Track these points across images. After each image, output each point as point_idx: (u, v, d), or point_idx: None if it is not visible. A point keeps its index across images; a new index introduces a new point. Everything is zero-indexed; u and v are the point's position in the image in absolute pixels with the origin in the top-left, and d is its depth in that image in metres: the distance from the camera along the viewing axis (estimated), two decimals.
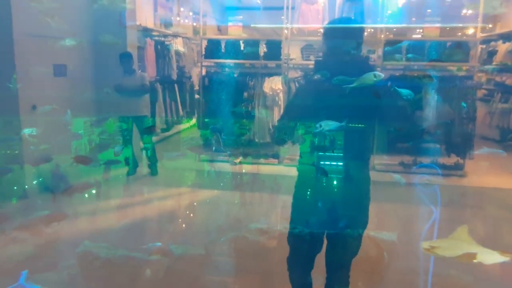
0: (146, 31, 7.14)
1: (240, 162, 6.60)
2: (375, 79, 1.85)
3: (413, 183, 5.58)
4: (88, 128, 5.87)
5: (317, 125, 1.89)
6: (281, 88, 6.37)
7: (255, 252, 3.56)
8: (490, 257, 1.63)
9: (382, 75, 1.87)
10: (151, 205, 5.10)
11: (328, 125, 1.87)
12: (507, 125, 7.11)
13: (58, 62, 5.27)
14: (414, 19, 9.32)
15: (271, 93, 6.41)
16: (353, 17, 5.87)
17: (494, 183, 5.75)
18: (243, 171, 6.46)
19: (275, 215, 4.69)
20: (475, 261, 1.59)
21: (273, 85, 6.44)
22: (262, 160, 6.56)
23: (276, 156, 6.63)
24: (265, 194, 5.51)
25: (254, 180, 6.30)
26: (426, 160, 6.04)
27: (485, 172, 6.10)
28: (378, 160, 6.13)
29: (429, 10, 10.42)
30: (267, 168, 6.45)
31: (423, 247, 1.68)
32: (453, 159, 5.99)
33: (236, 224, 4.22)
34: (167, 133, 7.89)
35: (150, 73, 7.02)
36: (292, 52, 6.63)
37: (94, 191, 5.16)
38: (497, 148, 7.31)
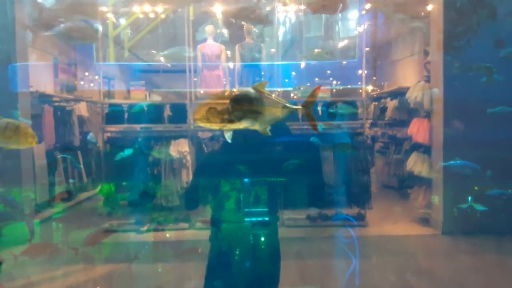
0: (44, 97, 6.81)
1: (148, 230, 6.30)
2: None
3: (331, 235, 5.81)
4: None
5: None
6: (188, 150, 6.35)
7: None
8: None
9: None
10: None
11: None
12: (402, 174, 7.72)
13: None
14: (317, 79, 10.10)
15: (178, 156, 6.36)
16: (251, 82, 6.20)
17: (393, 231, 6.12)
18: (152, 239, 6.16)
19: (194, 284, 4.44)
20: None
21: (180, 148, 6.41)
22: (171, 226, 6.32)
23: (186, 219, 6.44)
24: (179, 262, 5.24)
25: (165, 247, 6.00)
26: (330, 212, 6.28)
27: (384, 221, 6.48)
28: (286, 215, 6.23)
29: (328, 71, 11.37)
30: (178, 233, 6.20)
31: None
32: (355, 210, 6.29)
33: None
34: (69, 203, 7.34)
35: (48, 141, 6.63)
36: None
37: None
38: (396, 195, 7.89)
